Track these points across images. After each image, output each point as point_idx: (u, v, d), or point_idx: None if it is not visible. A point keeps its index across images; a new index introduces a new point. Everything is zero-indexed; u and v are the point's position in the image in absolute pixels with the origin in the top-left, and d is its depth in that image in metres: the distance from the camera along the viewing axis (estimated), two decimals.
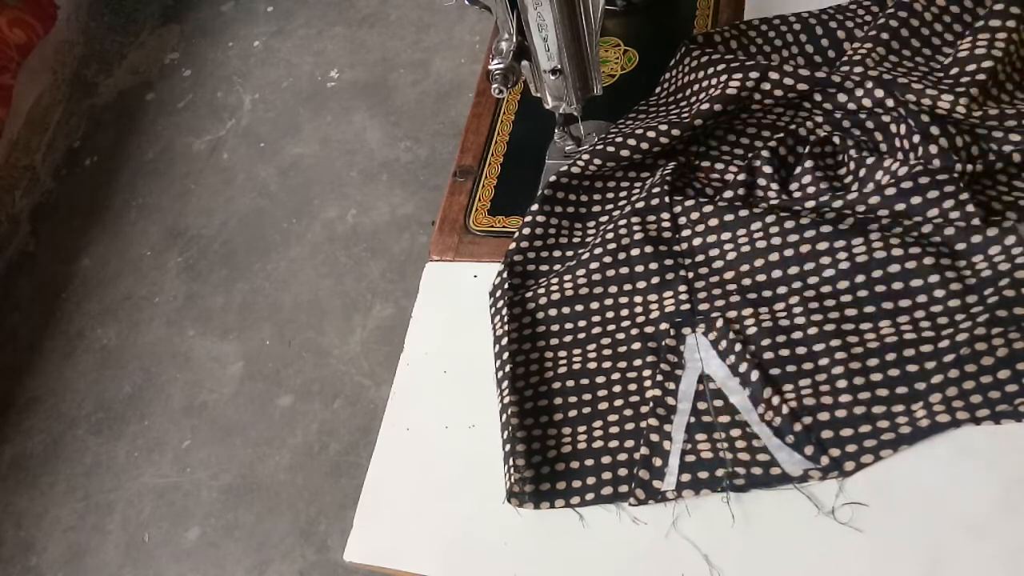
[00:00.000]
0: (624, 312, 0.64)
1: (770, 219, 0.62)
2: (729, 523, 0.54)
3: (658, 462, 0.56)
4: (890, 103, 0.64)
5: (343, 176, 1.89)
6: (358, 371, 1.61)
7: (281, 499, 1.51)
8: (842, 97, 0.66)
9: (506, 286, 0.67)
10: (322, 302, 1.72)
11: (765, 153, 0.66)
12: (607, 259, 0.65)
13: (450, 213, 0.76)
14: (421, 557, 0.59)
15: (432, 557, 0.59)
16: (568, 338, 0.65)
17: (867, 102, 0.65)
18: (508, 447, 0.59)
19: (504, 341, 0.64)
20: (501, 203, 0.76)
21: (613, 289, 0.65)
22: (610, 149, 0.69)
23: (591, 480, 0.58)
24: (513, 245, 0.69)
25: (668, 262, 0.64)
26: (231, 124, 2.08)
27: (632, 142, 0.68)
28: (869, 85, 0.64)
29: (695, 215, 0.65)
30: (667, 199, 0.66)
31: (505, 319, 0.65)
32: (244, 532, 1.50)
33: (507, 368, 0.63)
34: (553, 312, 0.66)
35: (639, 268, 0.65)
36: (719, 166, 0.70)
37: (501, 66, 0.62)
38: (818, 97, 0.66)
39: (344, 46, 2.11)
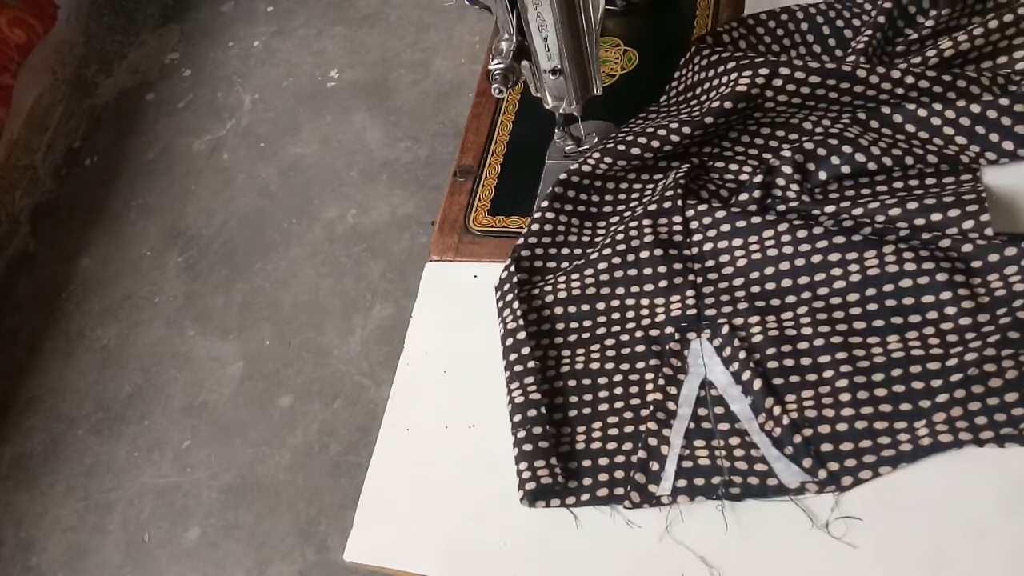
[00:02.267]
0: (630, 314, 0.64)
1: (782, 227, 0.62)
2: (722, 531, 0.54)
3: (655, 466, 0.56)
4: (910, 80, 0.63)
5: (343, 176, 1.89)
6: (358, 371, 1.61)
7: (281, 499, 1.51)
8: (859, 88, 0.65)
9: (514, 280, 0.67)
10: (322, 302, 1.72)
11: (785, 153, 0.65)
12: (616, 260, 0.65)
13: (450, 213, 0.76)
14: (421, 557, 0.59)
15: (432, 557, 0.59)
16: (572, 337, 0.64)
17: (886, 85, 0.64)
18: (531, 445, 0.58)
19: (521, 335, 0.63)
20: (501, 203, 0.76)
21: (620, 290, 0.65)
22: (621, 148, 0.68)
23: (587, 481, 0.57)
24: (521, 241, 0.69)
25: (677, 266, 0.64)
26: (231, 124, 2.08)
27: (643, 140, 0.68)
28: (882, 70, 0.64)
29: (707, 219, 0.65)
30: (679, 202, 0.66)
31: (517, 313, 0.64)
32: (244, 532, 1.50)
33: (529, 363, 0.62)
34: (559, 311, 0.66)
35: (647, 271, 0.64)
36: (733, 167, 0.69)
37: (501, 66, 0.62)
38: (833, 95, 0.66)
39: (344, 46, 2.11)
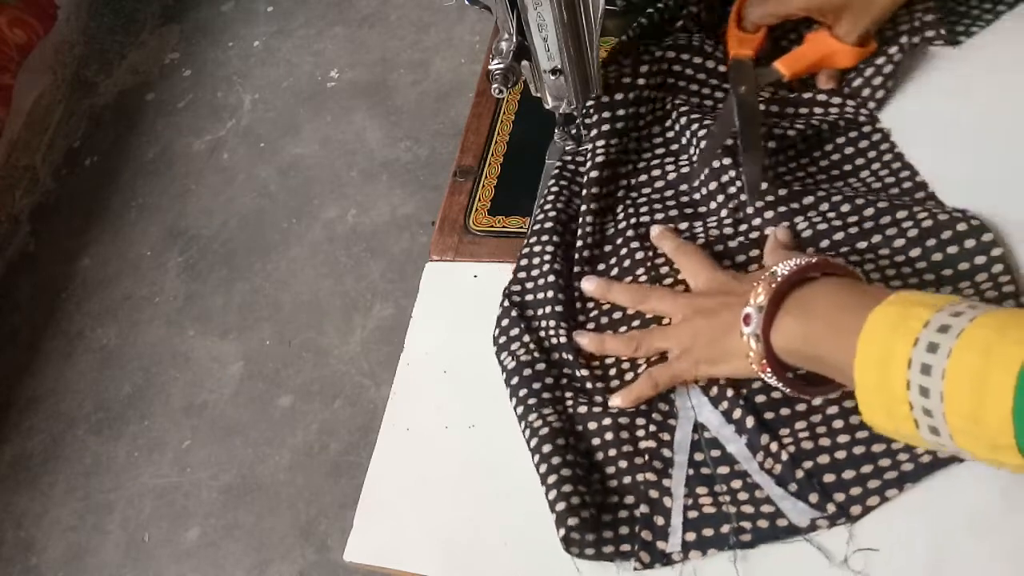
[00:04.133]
0: (609, 361, 0.62)
1: (734, 244, 0.62)
2: None
3: (660, 521, 0.54)
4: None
5: (343, 176, 1.89)
6: (358, 371, 1.61)
7: (281, 499, 1.51)
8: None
9: (513, 314, 0.65)
10: (322, 302, 1.72)
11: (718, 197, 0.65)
12: (568, 356, 0.62)
13: (450, 213, 0.76)
14: (421, 557, 0.59)
15: (432, 557, 0.59)
16: (558, 391, 0.61)
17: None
18: (569, 471, 0.55)
19: (540, 366, 0.61)
20: (501, 203, 0.75)
21: (595, 363, 0.62)
22: (548, 226, 0.68)
23: (591, 537, 0.54)
24: (511, 278, 0.67)
25: (649, 316, 0.62)
26: (231, 124, 2.08)
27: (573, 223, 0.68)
28: None
29: (659, 260, 0.64)
30: (639, 255, 0.65)
31: (531, 345, 0.62)
32: (244, 532, 1.50)
33: (549, 393, 0.59)
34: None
35: (617, 315, 0.63)
36: (656, 173, 0.69)
37: (501, 66, 0.62)
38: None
39: (344, 46, 2.12)
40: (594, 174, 0.67)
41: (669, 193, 0.69)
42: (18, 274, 2.00)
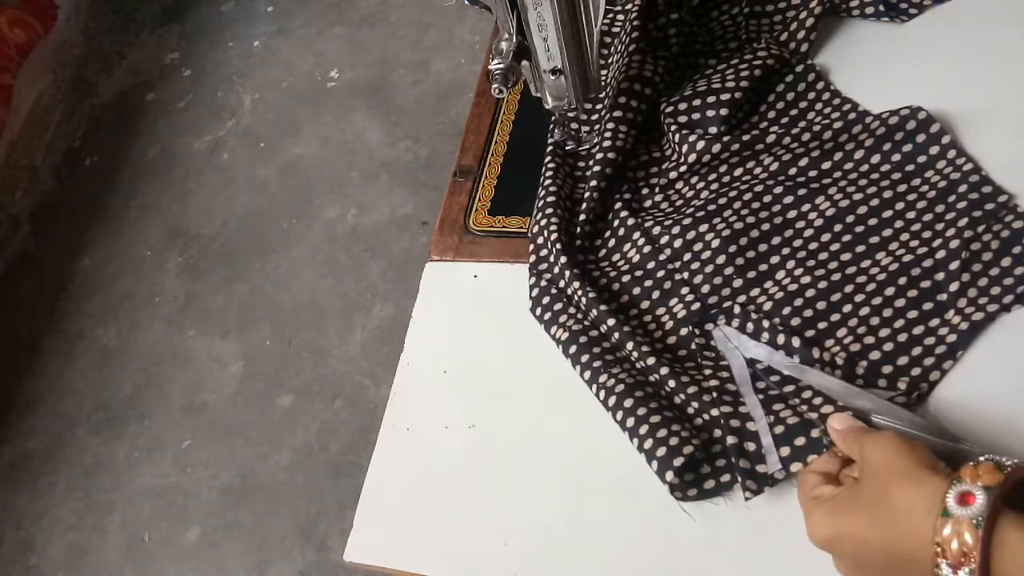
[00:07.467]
0: (640, 331, 0.63)
1: (733, 194, 0.65)
2: None
3: (751, 446, 0.54)
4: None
5: (343, 176, 1.89)
6: (358, 371, 1.61)
7: (281, 499, 1.51)
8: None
9: (553, 290, 0.65)
10: (322, 302, 1.72)
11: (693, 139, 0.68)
12: (603, 307, 0.63)
13: (450, 213, 0.76)
14: (421, 557, 0.59)
15: (432, 557, 0.59)
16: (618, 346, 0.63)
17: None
18: (658, 416, 0.56)
19: (583, 339, 0.61)
20: (501, 203, 0.75)
21: (621, 317, 0.63)
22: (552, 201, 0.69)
23: (692, 477, 0.56)
24: (532, 258, 0.68)
25: (660, 273, 0.64)
26: (231, 124, 2.08)
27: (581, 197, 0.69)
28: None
29: (668, 222, 0.66)
30: (630, 221, 0.67)
31: (575, 316, 0.63)
32: (244, 532, 1.50)
33: (615, 354, 0.60)
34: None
35: (636, 290, 0.64)
36: (657, 155, 0.72)
37: (501, 66, 0.62)
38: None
39: (344, 46, 2.12)
40: (600, 156, 0.69)
41: (669, 176, 0.70)
42: (18, 274, 1.99)
